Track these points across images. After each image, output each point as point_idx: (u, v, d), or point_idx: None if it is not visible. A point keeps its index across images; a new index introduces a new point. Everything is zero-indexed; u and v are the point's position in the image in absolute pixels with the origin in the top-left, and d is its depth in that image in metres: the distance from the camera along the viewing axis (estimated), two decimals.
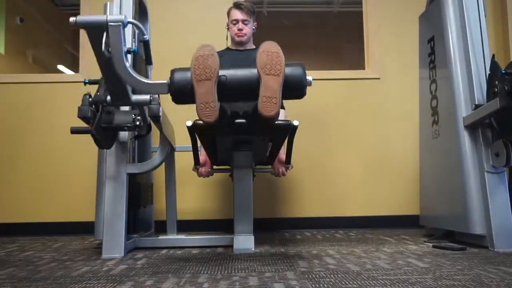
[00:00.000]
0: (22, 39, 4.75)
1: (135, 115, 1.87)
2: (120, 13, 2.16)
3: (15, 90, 3.03)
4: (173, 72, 1.59)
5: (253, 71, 1.54)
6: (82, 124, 1.83)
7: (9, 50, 4.34)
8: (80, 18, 1.38)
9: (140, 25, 1.54)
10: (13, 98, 3.02)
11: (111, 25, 1.40)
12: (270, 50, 1.49)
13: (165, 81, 1.60)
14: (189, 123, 2.11)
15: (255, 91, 1.50)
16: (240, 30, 2.40)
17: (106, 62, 1.53)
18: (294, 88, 1.56)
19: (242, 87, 1.59)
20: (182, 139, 2.65)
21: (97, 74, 1.75)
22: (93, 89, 1.89)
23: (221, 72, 1.54)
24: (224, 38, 2.54)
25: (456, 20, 2.27)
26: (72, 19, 1.38)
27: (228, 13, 2.45)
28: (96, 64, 1.71)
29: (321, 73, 3.18)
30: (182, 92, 1.56)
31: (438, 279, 1.36)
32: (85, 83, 1.93)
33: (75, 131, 1.83)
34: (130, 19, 1.47)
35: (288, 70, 1.54)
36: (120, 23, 1.40)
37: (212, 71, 1.47)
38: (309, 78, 1.58)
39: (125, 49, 1.48)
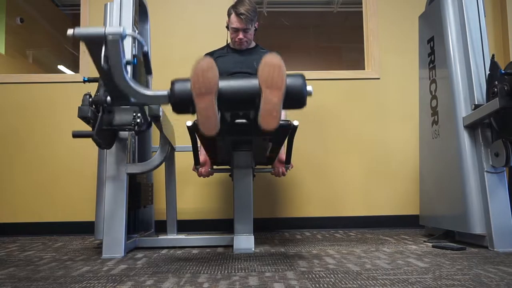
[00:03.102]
0: (22, 39, 4.75)
1: (135, 113, 1.88)
2: (120, 16, 2.15)
3: (15, 90, 3.03)
4: (173, 83, 1.61)
5: (254, 82, 1.54)
6: (82, 124, 1.83)
7: (9, 50, 4.34)
8: (78, 30, 1.36)
9: (139, 37, 1.54)
10: (13, 98, 3.02)
11: (110, 38, 1.37)
12: (272, 64, 1.49)
13: (166, 92, 1.62)
14: (189, 123, 2.12)
15: (256, 102, 1.52)
16: (240, 39, 2.33)
17: (105, 73, 1.53)
18: (295, 99, 1.57)
19: (243, 99, 1.61)
20: (182, 139, 2.65)
21: (97, 73, 1.76)
22: (92, 88, 1.89)
23: (221, 84, 1.54)
24: (224, 37, 2.53)
25: (456, 20, 2.27)
26: (70, 31, 1.36)
27: (229, 15, 2.35)
28: None
29: (321, 73, 3.18)
30: (182, 104, 1.58)
31: (438, 279, 1.36)
32: (84, 81, 1.92)
33: (77, 135, 1.83)
34: (129, 32, 1.45)
35: (288, 81, 1.54)
36: (118, 36, 1.38)
37: (211, 85, 1.48)
38: (309, 88, 1.59)
39: (124, 61, 1.47)
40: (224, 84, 1.56)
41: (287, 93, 1.51)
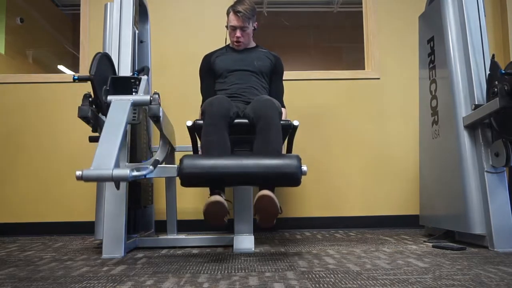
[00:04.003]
0: (22, 39, 4.75)
1: (134, 110, 1.91)
2: (120, 16, 2.15)
3: (15, 90, 3.03)
4: (182, 160, 1.73)
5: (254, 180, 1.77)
6: (82, 124, 1.83)
7: (9, 50, 4.34)
8: (86, 173, 1.48)
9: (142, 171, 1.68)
10: (13, 98, 3.02)
11: (116, 179, 1.50)
12: (266, 207, 1.72)
13: (176, 172, 1.78)
14: (189, 123, 2.12)
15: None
16: (238, 37, 2.33)
17: None
18: (291, 180, 1.73)
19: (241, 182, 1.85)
20: (182, 139, 2.65)
21: (87, 71, 1.79)
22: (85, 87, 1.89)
23: (224, 172, 1.73)
24: (223, 38, 2.53)
25: (456, 20, 2.27)
26: (78, 173, 1.48)
27: (227, 15, 2.36)
28: None
29: (321, 73, 3.18)
30: (190, 182, 1.75)
31: (438, 279, 1.36)
32: (74, 80, 1.87)
33: (93, 139, 1.89)
34: (134, 173, 1.58)
35: (284, 162, 1.72)
36: (125, 179, 1.50)
37: (221, 220, 1.75)
38: (304, 169, 1.73)
39: (133, 177, 1.57)
40: (227, 173, 1.73)
41: (285, 174, 1.71)
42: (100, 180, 1.53)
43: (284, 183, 1.79)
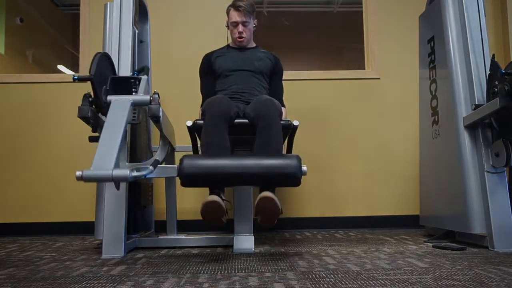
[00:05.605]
0: (22, 39, 4.75)
1: (135, 110, 1.91)
2: (120, 16, 2.15)
3: (15, 90, 3.03)
4: (182, 160, 1.74)
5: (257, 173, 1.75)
6: (82, 123, 1.83)
7: (9, 50, 4.34)
8: (87, 174, 1.48)
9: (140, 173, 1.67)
10: (13, 98, 3.02)
11: (116, 180, 1.50)
12: (268, 209, 1.73)
13: (176, 173, 1.80)
14: (189, 123, 2.12)
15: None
16: (240, 33, 2.35)
17: None
18: (291, 180, 1.74)
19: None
20: (182, 139, 2.65)
21: (87, 71, 1.79)
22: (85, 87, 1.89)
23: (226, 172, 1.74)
24: (224, 37, 2.53)
25: (456, 20, 2.27)
26: (78, 174, 1.47)
27: (227, 13, 2.38)
28: None
29: (321, 73, 3.18)
30: (190, 181, 1.76)
31: (438, 279, 1.36)
32: (74, 80, 1.85)
33: (93, 139, 1.88)
34: (134, 174, 1.58)
35: (285, 163, 1.73)
36: (124, 179, 1.50)
37: (219, 219, 1.75)
38: (304, 169, 1.75)
39: (131, 178, 1.56)
40: (227, 173, 1.73)
41: (285, 174, 1.72)
42: (100, 180, 1.53)
43: (284, 183, 1.80)
